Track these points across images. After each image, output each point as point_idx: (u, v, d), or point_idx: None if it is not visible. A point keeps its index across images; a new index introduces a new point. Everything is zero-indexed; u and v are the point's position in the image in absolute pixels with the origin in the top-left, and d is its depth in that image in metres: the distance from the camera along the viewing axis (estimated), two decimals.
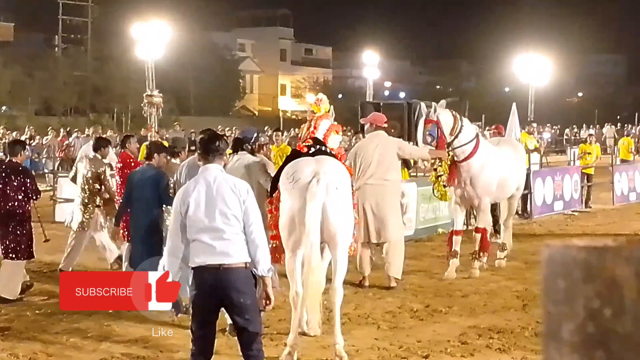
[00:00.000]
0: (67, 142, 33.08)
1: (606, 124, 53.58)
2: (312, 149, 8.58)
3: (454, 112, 12.44)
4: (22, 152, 11.34)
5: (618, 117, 66.57)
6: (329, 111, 9.18)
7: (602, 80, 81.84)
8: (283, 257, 8.58)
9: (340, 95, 68.33)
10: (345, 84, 76.86)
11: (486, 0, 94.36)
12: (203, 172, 6.54)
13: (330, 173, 8.18)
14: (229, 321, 9.17)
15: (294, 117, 66.97)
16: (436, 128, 12.00)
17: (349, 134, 31.17)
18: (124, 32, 38.95)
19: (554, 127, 51.38)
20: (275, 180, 8.69)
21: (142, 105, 12.30)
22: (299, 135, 9.45)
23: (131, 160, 12.05)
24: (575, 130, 50.68)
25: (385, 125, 12.20)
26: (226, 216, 6.29)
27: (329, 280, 8.55)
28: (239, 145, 9.59)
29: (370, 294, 11.16)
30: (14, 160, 11.13)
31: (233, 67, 73.19)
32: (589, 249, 1.23)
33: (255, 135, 9.75)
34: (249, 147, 9.55)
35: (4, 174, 10.85)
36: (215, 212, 6.29)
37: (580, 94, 79.89)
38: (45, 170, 27.48)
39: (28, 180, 10.96)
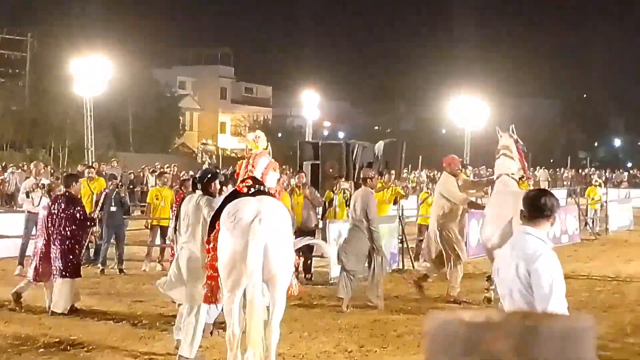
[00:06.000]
0: (2, 177, 32.61)
1: (538, 167, 54.39)
2: (252, 189, 8.64)
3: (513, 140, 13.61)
4: (74, 184, 12.89)
5: (551, 160, 67.74)
6: (266, 148, 9.29)
7: (536, 123, 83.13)
8: (220, 298, 8.57)
9: (280, 134, 68.52)
10: (285, 123, 77.06)
11: (425, 43, 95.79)
12: (518, 234, 5.58)
13: (272, 213, 8.23)
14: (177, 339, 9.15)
15: (233, 154, 66.88)
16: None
17: (288, 172, 31.29)
18: (63, 67, 38.62)
19: (489, 169, 52.11)
20: (213, 219, 8.72)
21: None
22: (237, 172, 9.53)
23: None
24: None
25: (445, 165, 14.24)
26: (523, 296, 5.27)
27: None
28: (194, 185, 10.25)
29: (305, 334, 11.20)
30: (68, 191, 12.69)
31: (173, 104, 72.86)
32: (469, 324, 1.29)
33: (203, 174, 10.11)
34: (199, 185, 10.00)
35: (63, 204, 12.41)
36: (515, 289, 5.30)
37: (515, 137, 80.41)
38: None
39: (81, 210, 12.64)
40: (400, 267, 17.81)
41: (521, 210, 5.51)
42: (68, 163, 47.46)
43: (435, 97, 65.85)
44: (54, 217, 12.44)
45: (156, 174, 21.36)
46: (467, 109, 44.63)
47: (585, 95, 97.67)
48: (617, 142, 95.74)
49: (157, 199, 18.21)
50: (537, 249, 5.29)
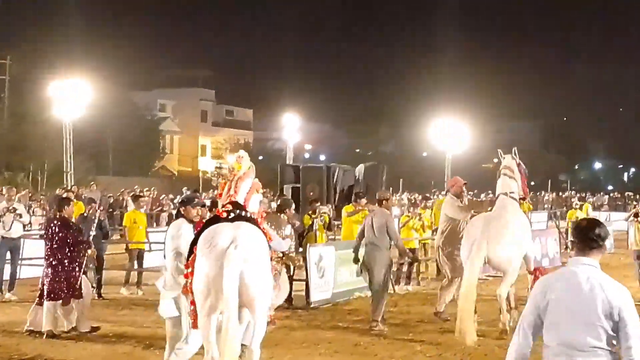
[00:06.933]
0: None
1: None
2: (232, 214, 8.55)
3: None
4: (66, 207, 12.87)
5: (532, 183, 67.95)
6: (250, 168, 9.20)
7: (517, 147, 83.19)
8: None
9: (260, 157, 68.57)
10: (265, 146, 77.10)
11: (406, 66, 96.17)
12: (575, 265, 5.39)
13: (248, 239, 8.17)
14: None
15: (213, 177, 66.76)
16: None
17: (269, 195, 31.18)
18: (42, 90, 38.46)
19: (469, 192, 52.30)
20: (192, 243, 8.63)
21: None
22: (219, 192, 9.42)
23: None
24: (491, 195, 51.71)
25: (449, 187, 14.75)
26: (595, 329, 5.13)
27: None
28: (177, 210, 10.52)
29: (286, 358, 11.12)
30: (61, 214, 12.72)
31: (153, 127, 72.74)
32: None
33: (181, 200, 10.45)
34: (180, 212, 10.21)
35: (56, 228, 12.47)
36: (581, 323, 5.16)
37: (496, 160, 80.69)
38: None
39: (75, 233, 12.65)
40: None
41: (572, 241, 5.47)
42: (47, 187, 47.16)
43: (416, 120, 66.07)
44: (48, 240, 12.58)
45: (133, 196, 21.24)
46: (448, 132, 44.72)
47: (565, 119, 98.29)
48: (598, 165, 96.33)
49: (134, 222, 18.13)
50: (612, 286, 5.24)
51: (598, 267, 5.32)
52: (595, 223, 5.45)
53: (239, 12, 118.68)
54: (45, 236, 12.85)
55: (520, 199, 13.64)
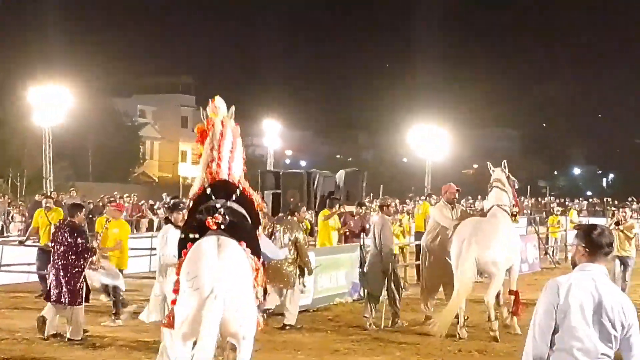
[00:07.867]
0: None
1: None
2: (222, 226, 8.01)
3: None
4: (78, 213, 13.00)
5: None
6: (229, 116, 9.03)
7: (497, 154, 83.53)
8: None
9: None
10: (246, 152, 76.66)
11: (386, 73, 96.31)
12: (588, 271, 5.35)
13: (230, 278, 7.70)
14: None
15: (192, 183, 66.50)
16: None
17: None
18: (22, 96, 38.27)
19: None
20: (180, 246, 8.31)
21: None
22: (196, 138, 9.07)
23: None
24: (471, 201, 51.83)
25: (442, 194, 14.94)
26: (609, 337, 5.20)
27: None
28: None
29: None
30: (72, 220, 12.82)
31: (133, 133, 72.59)
32: None
33: (168, 207, 10.72)
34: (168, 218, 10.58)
35: (66, 233, 12.55)
36: (599, 330, 5.19)
37: (475, 166, 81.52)
38: None
39: (83, 240, 12.67)
40: (362, 296, 17.73)
41: (580, 247, 5.42)
42: (26, 193, 46.92)
43: (396, 127, 66.16)
44: (58, 245, 12.66)
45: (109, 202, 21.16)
46: (429, 138, 44.83)
47: (544, 125, 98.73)
48: (577, 171, 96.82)
49: (106, 228, 17.97)
50: (627, 301, 5.30)
51: (608, 275, 5.39)
52: (605, 229, 5.47)
53: (220, 19, 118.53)
54: (53, 240, 12.90)
55: (513, 215, 13.87)
